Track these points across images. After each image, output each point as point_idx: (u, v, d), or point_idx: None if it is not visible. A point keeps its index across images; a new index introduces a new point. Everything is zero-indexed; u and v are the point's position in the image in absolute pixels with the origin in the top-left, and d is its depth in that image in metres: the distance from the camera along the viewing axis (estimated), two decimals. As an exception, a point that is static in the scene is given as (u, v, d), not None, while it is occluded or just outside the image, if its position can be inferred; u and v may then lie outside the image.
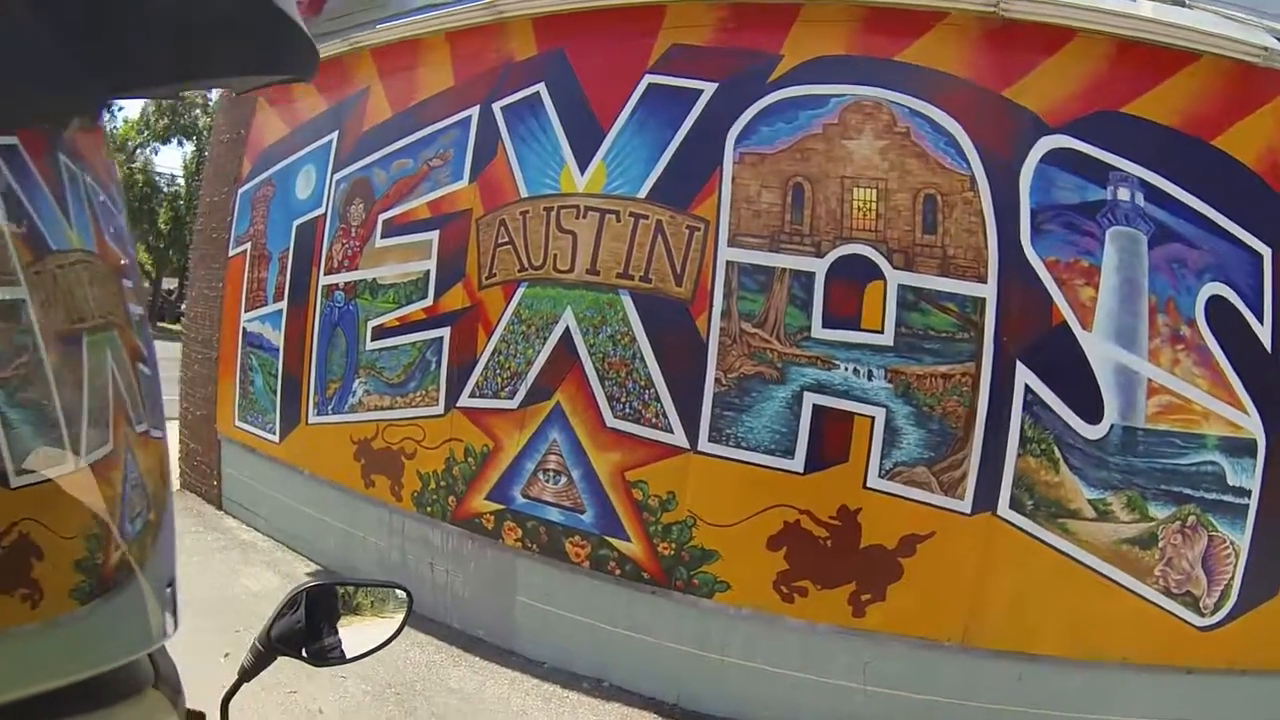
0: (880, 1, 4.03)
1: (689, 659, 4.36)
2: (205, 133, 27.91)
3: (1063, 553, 3.69)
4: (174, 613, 0.87)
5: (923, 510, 3.85)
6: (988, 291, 3.75)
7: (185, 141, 33.83)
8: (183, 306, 10.75)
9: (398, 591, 1.49)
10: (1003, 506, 3.74)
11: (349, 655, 1.36)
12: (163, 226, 34.03)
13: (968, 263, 3.78)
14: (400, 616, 1.43)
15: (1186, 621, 3.65)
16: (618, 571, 4.52)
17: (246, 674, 1.28)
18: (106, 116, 0.75)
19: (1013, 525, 3.74)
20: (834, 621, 4.02)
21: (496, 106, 5.18)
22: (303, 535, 6.45)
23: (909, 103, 3.91)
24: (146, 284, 40.88)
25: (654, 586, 4.41)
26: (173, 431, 8.75)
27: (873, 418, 3.91)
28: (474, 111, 5.30)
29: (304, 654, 1.30)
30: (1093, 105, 3.72)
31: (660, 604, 4.42)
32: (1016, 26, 3.80)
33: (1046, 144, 3.74)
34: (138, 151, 33.61)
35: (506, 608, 5.01)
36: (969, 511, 3.78)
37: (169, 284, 37.94)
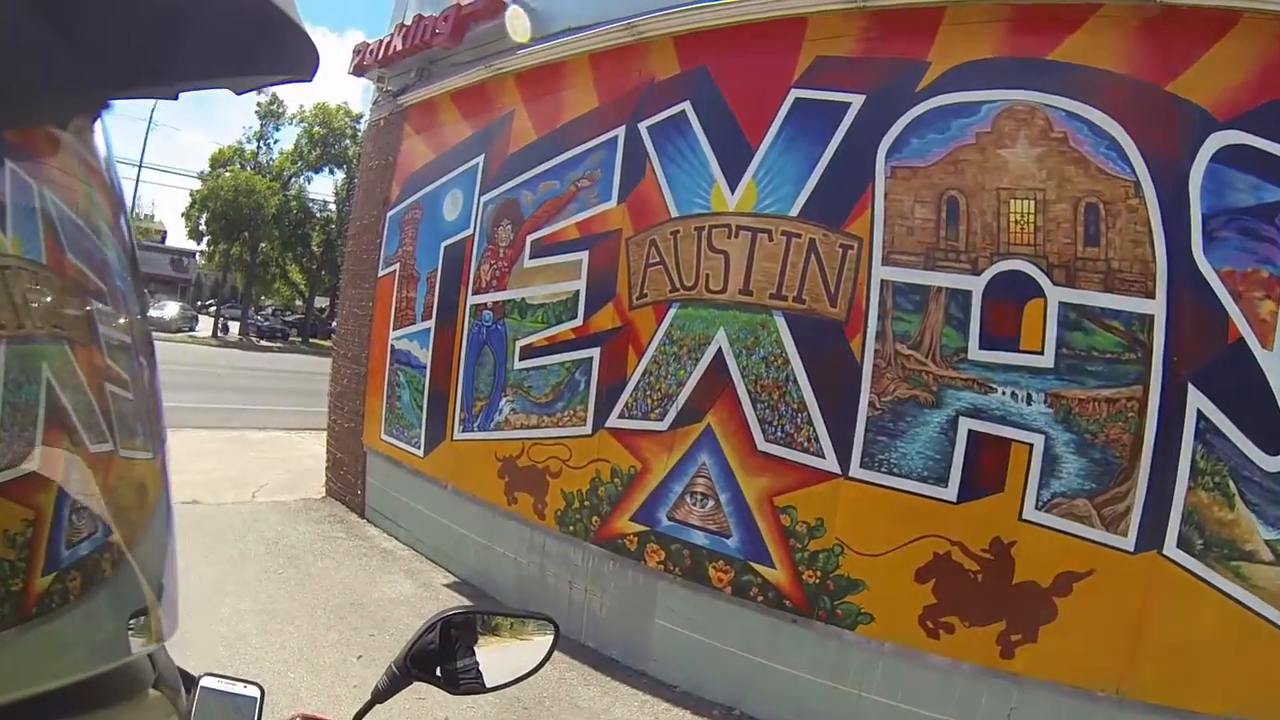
0: None
1: (825, 693, 4.43)
2: (355, 161, 30.62)
3: (1234, 599, 3.42)
4: (173, 615, 0.88)
5: (1081, 546, 3.71)
6: (1156, 308, 3.58)
7: (336, 170, 37.86)
8: (333, 324, 11.77)
9: (543, 623, 1.51)
10: (1169, 545, 3.54)
11: (488, 684, 1.39)
12: (315, 249, 37.97)
13: (1134, 276, 3.63)
14: (545, 648, 1.47)
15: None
16: (760, 598, 4.67)
17: (380, 695, 1.33)
18: (106, 117, 0.74)
19: (1180, 566, 3.52)
20: (980, 662, 3.94)
21: (642, 126, 5.51)
22: (442, 547, 6.97)
23: (1065, 105, 3.82)
24: (299, 302, 44.62)
25: (795, 615, 4.53)
26: (320, 442, 9.64)
27: (1031, 445, 3.83)
28: (620, 131, 5.66)
29: (441, 680, 1.35)
30: (1265, 95, 3.48)
31: (800, 634, 4.52)
32: (1176, 13, 3.66)
33: (1217, 141, 3.51)
34: (292, 181, 37.41)
35: (643, 629, 5.25)
36: (1132, 549, 3.61)
37: (320, 303, 41.38)
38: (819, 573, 4.46)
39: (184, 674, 1.39)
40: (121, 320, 0.78)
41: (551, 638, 1.48)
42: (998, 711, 3.93)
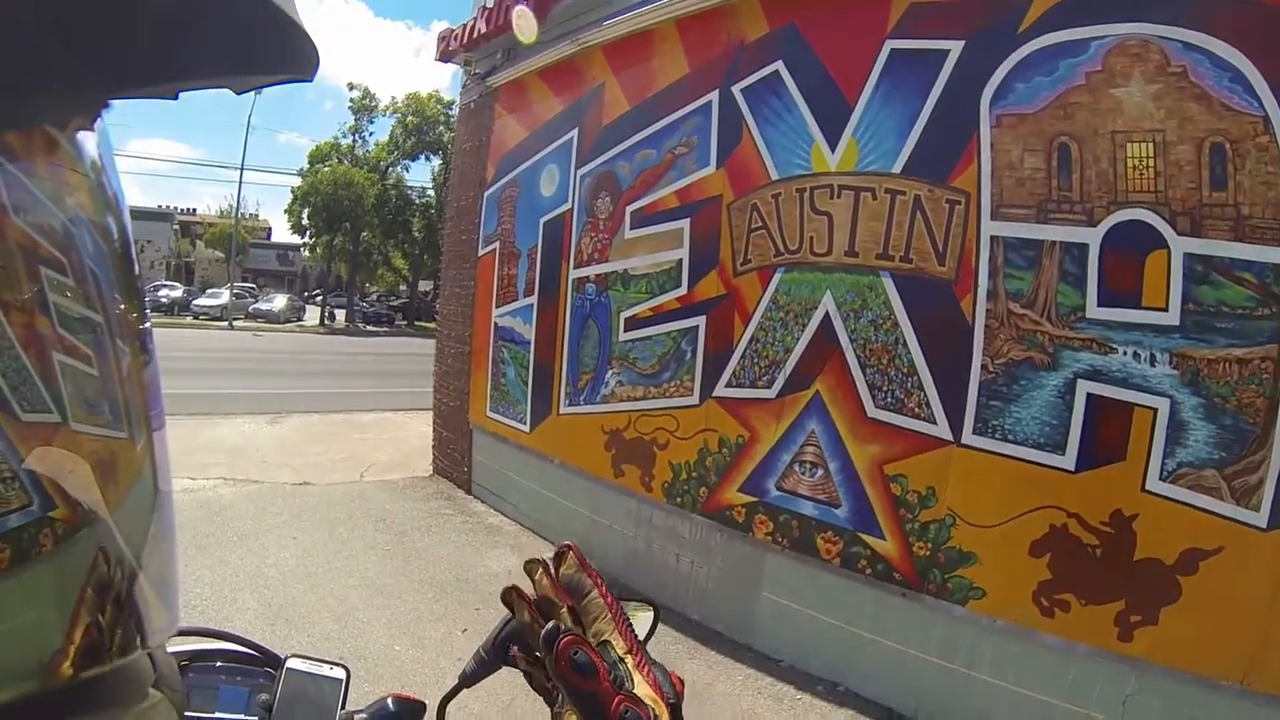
0: None
1: (933, 670, 4.40)
2: (450, 146, 31.99)
3: None
4: (173, 611, 0.88)
5: (1209, 521, 3.49)
6: None
7: (432, 156, 39.64)
8: (436, 305, 12.21)
9: (643, 605, 1.45)
10: None
11: None
12: (416, 234, 39.87)
13: (1266, 223, 3.34)
14: (646, 628, 1.40)
15: None
16: (868, 570, 4.65)
17: (467, 680, 1.31)
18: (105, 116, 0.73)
19: None
20: (1096, 643, 3.80)
21: (736, 89, 5.48)
22: (548, 521, 7.20)
23: (1181, 35, 3.53)
24: (403, 287, 46.33)
25: (905, 589, 4.50)
26: (427, 422, 10.03)
27: (1155, 410, 3.63)
28: (713, 96, 5.65)
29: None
30: None
31: (909, 608, 4.49)
32: None
33: None
34: (389, 170, 39.23)
35: (749, 602, 5.31)
36: (1264, 526, 3.35)
37: (424, 286, 43.15)
38: (929, 544, 4.41)
39: (269, 654, 1.47)
40: (86, 296, 0.75)
41: (651, 618, 1.39)
42: (1113, 697, 3.78)
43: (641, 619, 1.33)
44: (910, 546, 4.51)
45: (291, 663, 1.31)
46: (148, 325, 0.86)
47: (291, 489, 8.27)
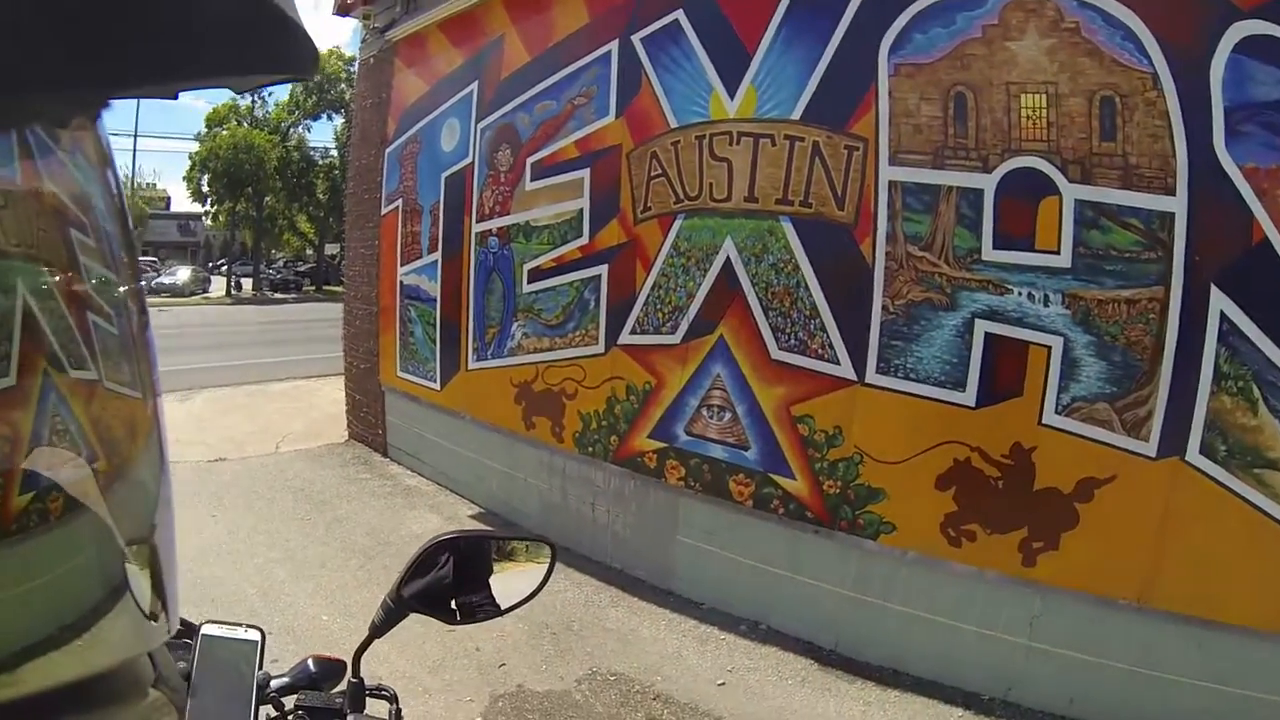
0: None
1: (849, 603, 4.48)
2: (351, 104, 31.03)
3: (1258, 508, 3.32)
4: (172, 611, 0.87)
5: (1103, 452, 3.63)
6: (1177, 205, 3.40)
7: (334, 115, 38.05)
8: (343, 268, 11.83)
9: (538, 545, 1.48)
10: (1192, 451, 3.44)
11: (486, 611, 1.37)
12: (321, 197, 38.49)
13: (1153, 172, 3.45)
14: (542, 571, 1.44)
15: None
16: (781, 511, 4.69)
17: (377, 630, 1.33)
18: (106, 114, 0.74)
19: (1202, 473, 3.42)
20: (1002, 570, 3.94)
21: (636, 38, 5.34)
22: (465, 479, 7.08)
23: None
24: (310, 251, 45.01)
25: (817, 526, 4.55)
26: (340, 387, 9.76)
27: (1049, 347, 3.73)
28: (613, 46, 5.50)
29: (436, 610, 1.34)
30: None
31: (823, 545, 4.55)
32: None
33: (1239, 31, 3.25)
34: (291, 131, 37.59)
35: (666, 548, 5.32)
36: (1154, 455, 3.51)
37: (331, 249, 41.99)
38: (839, 482, 4.46)
39: (186, 624, 1.39)
40: (106, 257, 0.77)
41: (549, 559, 1.46)
42: (1020, 620, 3.94)
43: (538, 558, 1.46)
44: (820, 485, 4.56)
45: (206, 629, 1.25)
46: (143, 285, 0.85)
47: (207, 466, 7.96)
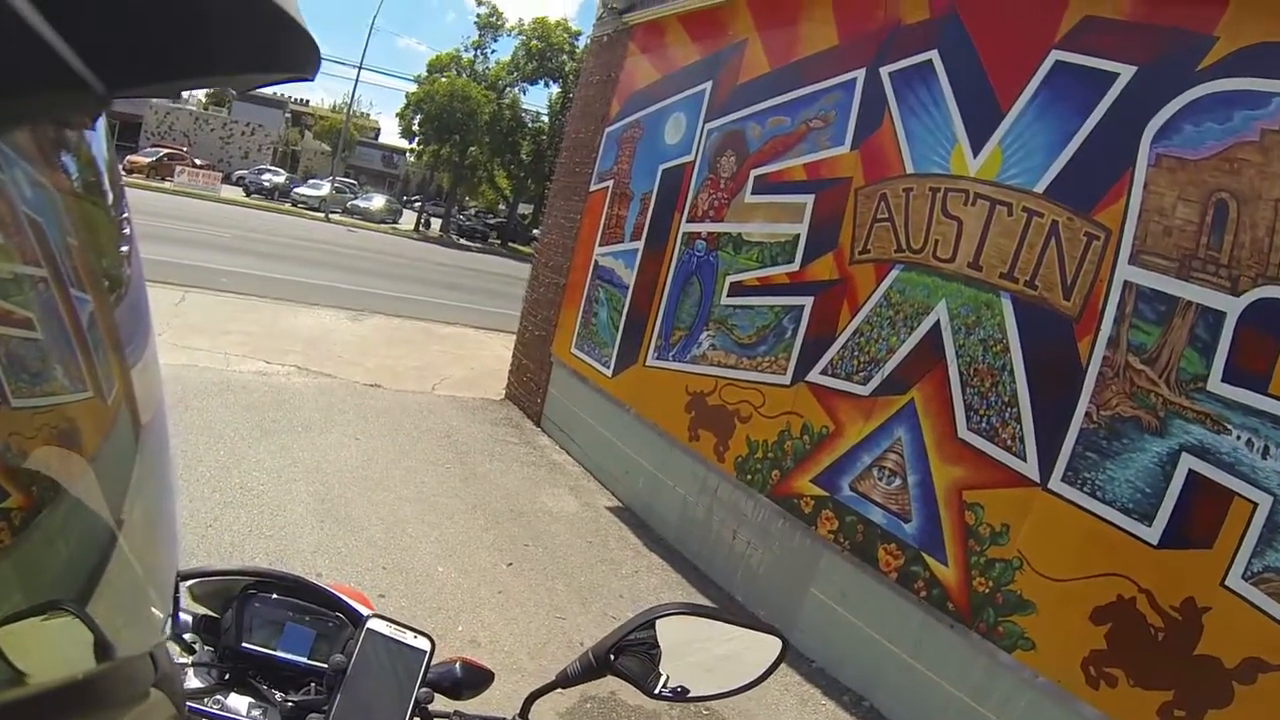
0: None
1: (960, 708, 4.44)
2: (571, 76, 32.51)
3: None
4: (173, 611, 0.87)
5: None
6: None
7: (551, 83, 40.47)
8: (535, 231, 12.34)
9: (770, 637, 1.41)
10: None
11: (694, 692, 1.33)
12: (524, 158, 40.87)
13: None
14: (768, 662, 1.38)
15: None
16: (923, 593, 4.71)
17: (567, 681, 1.30)
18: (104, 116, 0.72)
19: None
20: None
21: (884, 71, 5.41)
22: (612, 470, 7.43)
23: None
24: (502, 207, 47.32)
25: (954, 620, 4.54)
26: (507, 345, 10.28)
27: (1256, 504, 3.51)
28: (859, 74, 5.59)
29: (636, 680, 1.29)
30: None
31: (954, 640, 4.53)
32: None
33: None
34: (506, 90, 39.93)
35: (796, 596, 5.43)
36: None
37: (524, 209, 44.11)
38: (991, 582, 4.42)
39: (349, 611, 1.46)
40: (21, 250, 0.67)
41: (778, 649, 1.39)
42: None
43: (761, 654, 1.40)
44: (971, 579, 4.54)
45: (373, 624, 1.31)
46: (126, 248, 0.81)
47: (362, 389, 8.63)
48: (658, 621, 1.30)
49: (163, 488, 0.86)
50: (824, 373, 5.58)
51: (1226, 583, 3.58)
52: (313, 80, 0.74)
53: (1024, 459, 4.41)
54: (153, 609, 0.83)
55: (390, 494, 6.09)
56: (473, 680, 1.40)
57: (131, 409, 0.79)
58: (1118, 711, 3.86)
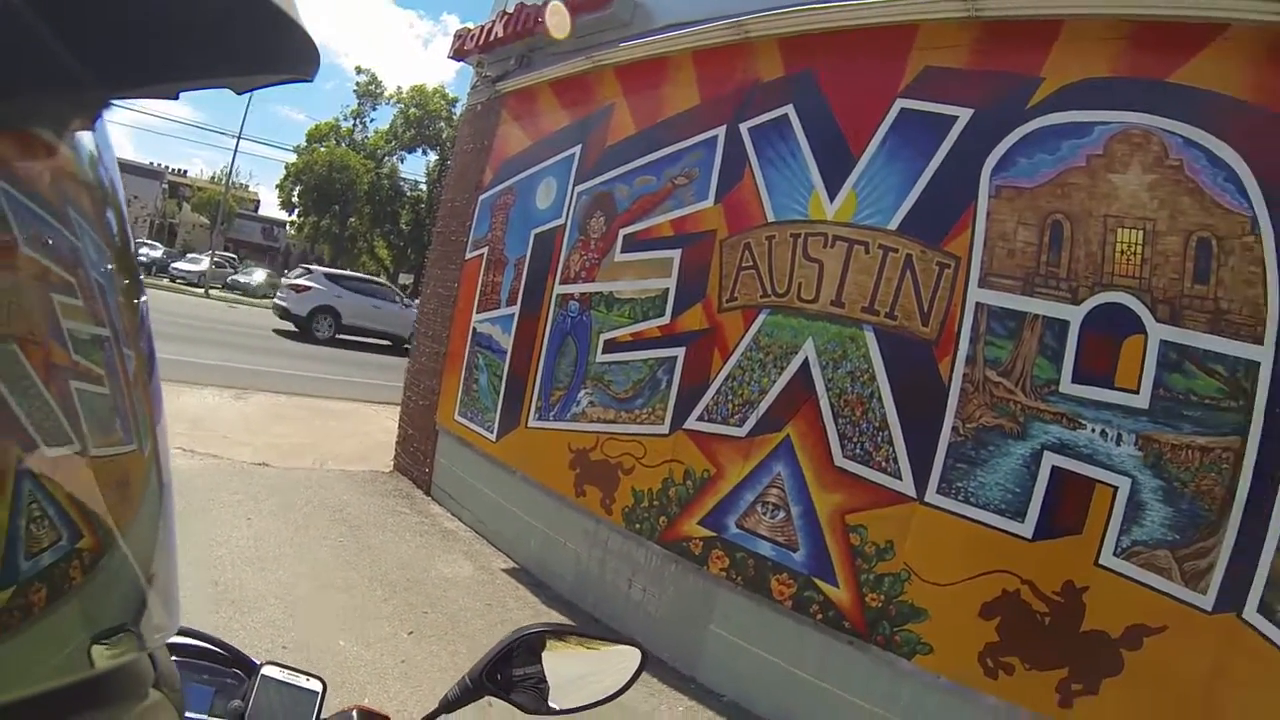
0: (1151, 14, 3.83)
1: (872, 719, 4.45)
2: (448, 143, 32.28)
3: None
4: (173, 612, 0.86)
5: (1157, 600, 3.59)
6: (1263, 355, 3.41)
7: (429, 151, 40.05)
8: (415, 302, 12.16)
9: (629, 649, 1.47)
10: (1250, 609, 3.39)
11: (560, 705, 1.36)
12: (404, 227, 40.06)
13: (1242, 319, 3.47)
14: (629, 673, 1.44)
15: None
16: (819, 616, 4.70)
17: (449, 705, 1.32)
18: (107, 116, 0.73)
19: (1259, 633, 3.36)
20: (1036, 708, 3.87)
21: (744, 127, 5.58)
22: (504, 532, 7.19)
23: (1183, 130, 3.68)
24: (383, 278, 46.44)
25: (853, 637, 4.55)
26: (394, 417, 10.00)
27: (1115, 487, 3.73)
28: (720, 131, 5.74)
29: (511, 697, 1.34)
30: None
31: (855, 656, 4.54)
32: None
33: None
34: (385, 159, 39.38)
35: (697, 635, 5.33)
36: (1210, 609, 3.47)
37: (405, 279, 43.25)
38: (882, 596, 4.47)
39: (244, 660, 1.45)
40: (97, 311, 0.73)
41: (638, 661, 1.45)
42: None
43: (622, 666, 1.44)
44: (863, 597, 4.57)
45: (268, 670, 1.30)
46: (142, 300, 0.83)
47: (251, 468, 8.20)
48: (526, 642, 1.35)
49: (171, 501, 0.87)
50: (701, 419, 5.59)
51: (1100, 562, 3.77)
52: (311, 81, 0.72)
53: (899, 478, 4.52)
54: (154, 611, 0.82)
55: (285, 572, 5.77)
56: None
57: (158, 461, 0.83)
58: (1019, 697, 3.96)
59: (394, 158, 41.72)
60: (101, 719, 0.73)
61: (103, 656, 0.72)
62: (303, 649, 4.64)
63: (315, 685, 1.31)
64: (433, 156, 40.61)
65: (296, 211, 40.89)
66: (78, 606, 0.71)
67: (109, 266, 0.76)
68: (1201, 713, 3.50)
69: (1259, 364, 3.46)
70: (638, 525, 5.87)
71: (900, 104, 4.75)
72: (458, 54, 9.04)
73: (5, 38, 0.49)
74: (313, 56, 0.66)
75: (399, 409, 9.84)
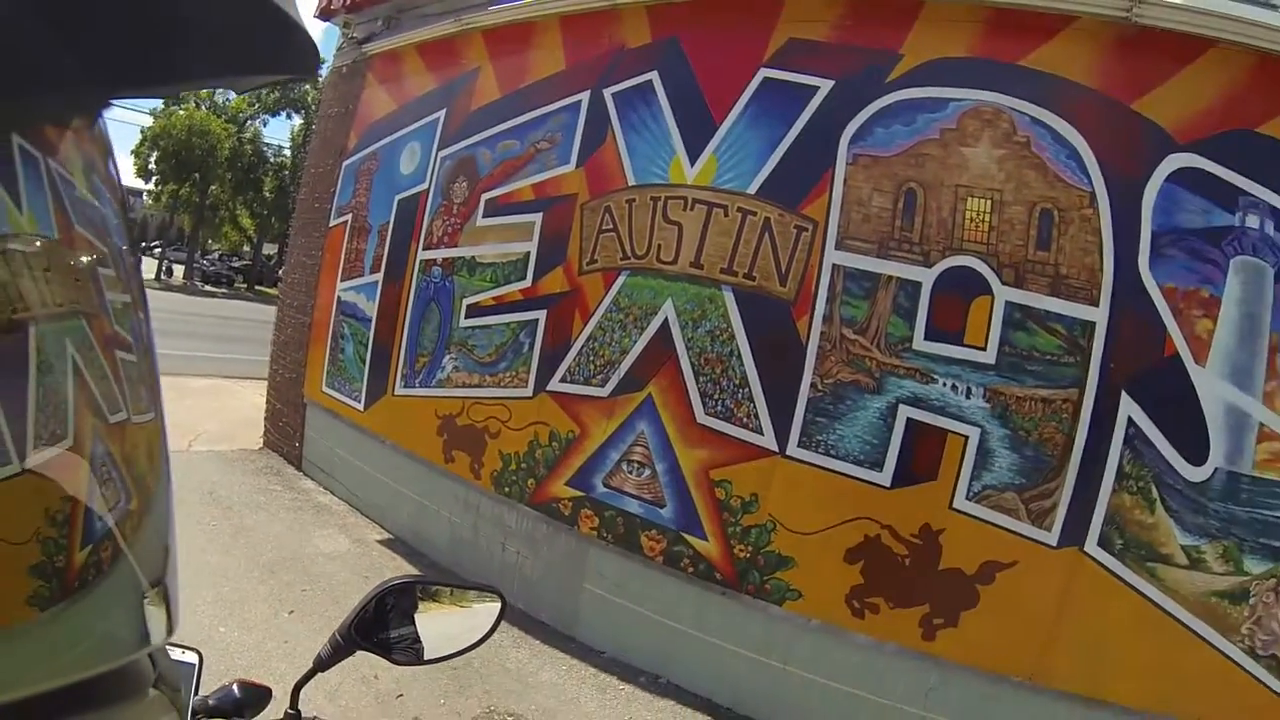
0: (1007, 2, 3.99)
1: (750, 664, 4.49)
2: (314, 106, 30.40)
3: (1147, 598, 3.59)
4: (173, 612, 0.86)
5: (1007, 538, 3.83)
6: (1098, 315, 3.67)
7: (294, 114, 37.18)
8: (280, 272, 11.47)
9: (489, 595, 1.50)
10: (1090, 543, 3.68)
11: (429, 655, 1.39)
12: (267, 194, 37.30)
13: (1080, 284, 3.71)
14: (490, 620, 1.46)
15: (1269, 687, 3.42)
16: (690, 569, 4.69)
17: (322, 664, 1.32)
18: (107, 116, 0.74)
19: (1098, 564, 3.66)
20: (902, 642, 4.06)
21: (608, 92, 5.42)
22: (378, 503, 6.87)
23: (1031, 110, 3.86)
24: (247, 248, 43.75)
25: (725, 588, 4.57)
26: (260, 392, 9.42)
27: (966, 437, 3.92)
28: (584, 96, 5.57)
29: (384, 650, 1.36)
30: (1227, 123, 3.56)
31: (729, 606, 4.57)
32: (1150, 34, 3.70)
33: (1174, 162, 3.59)
34: (248, 123, 36.69)
35: (573, 594, 5.25)
36: (1055, 544, 3.74)
37: (269, 250, 40.64)
38: (750, 547, 4.49)
39: None
40: (122, 280, 0.76)
41: (498, 610, 1.47)
42: (916, 690, 4.06)
43: (484, 614, 1.47)
44: (731, 548, 4.58)
45: None
46: (140, 264, 0.88)
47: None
48: (391, 594, 1.35)
49: (171, 500, 0.89)
50: (564, 380, 5.47)
51: (954, 505, 3.96)
52: (310, 81, 0.63)
53: (761, 433, 4.53)
54: (155, 611, 0.81)
55: (156, 561, 5.31)
56: (251, 699, 1.33)
57: (163, 432, 0.85)
58: (884, 632, 4.13)
59: (257, 121, 38.65)
60: (101, 719, 0.73)
61: (103, 657, 0.73)
62: (182, 639, 4.26)
63: (191, 657, 1.27)
64: (297, 121, 37.55)
65: (154, 180, 37.76)
66: (150, 571, 0.77)
67: (124, 236, 0.79)
68: (1050, 635, 3.76)
69: (1094, 323, 3.71)
70: (507, 489, 5.71)
71: (764, 73, 4.71)
72: (324, 13, 8.41)
73: (7, 39, 0.48)
74: (313, 56, 0.66)
75: (265, 384, 9.24)
